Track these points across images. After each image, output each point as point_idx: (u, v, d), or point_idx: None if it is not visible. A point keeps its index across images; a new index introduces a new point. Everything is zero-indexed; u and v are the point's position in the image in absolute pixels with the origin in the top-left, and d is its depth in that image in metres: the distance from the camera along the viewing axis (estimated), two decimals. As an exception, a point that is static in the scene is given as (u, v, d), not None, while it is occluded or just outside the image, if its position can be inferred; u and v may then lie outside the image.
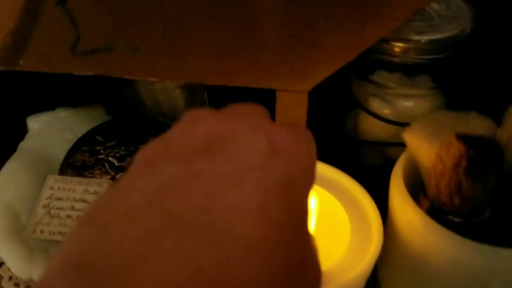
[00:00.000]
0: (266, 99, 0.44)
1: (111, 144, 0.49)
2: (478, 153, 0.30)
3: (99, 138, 0.50)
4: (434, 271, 0.34)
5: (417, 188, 0.37)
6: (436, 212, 0.33)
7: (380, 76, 0.43)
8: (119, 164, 0.48)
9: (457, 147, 0.30)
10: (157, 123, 0.51)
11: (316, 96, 0.43)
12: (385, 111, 0.45)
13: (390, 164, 0.40)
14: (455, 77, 0.43)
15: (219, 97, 0.55)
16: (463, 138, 0.31)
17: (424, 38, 0.40)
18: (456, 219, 0.33)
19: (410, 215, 0.34)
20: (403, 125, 0.40)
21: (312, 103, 0.42)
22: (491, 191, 0.31)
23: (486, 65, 0.45)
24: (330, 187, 0.39)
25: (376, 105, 0.45)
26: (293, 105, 0.41)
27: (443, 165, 0.31)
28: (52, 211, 0.45)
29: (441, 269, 0.33)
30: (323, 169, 0.40)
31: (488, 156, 0.30)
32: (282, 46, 0.39)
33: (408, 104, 0.44)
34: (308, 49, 0.39)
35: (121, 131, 0.50)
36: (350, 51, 0.39)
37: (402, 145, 0.39)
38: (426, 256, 0.34)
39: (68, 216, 0.45)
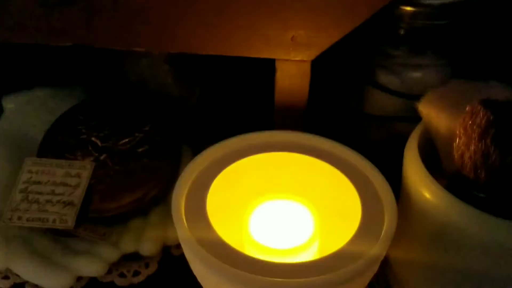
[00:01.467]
0: (262, 71, 0.41)
1: (93, 123, 0.45)
2: (507, 119, 0.27)
3: (81, 117, 0.46)
4: (454, 251, 0.31)
5: (430, 165, 0.34)
6: (457, 188, 0.30)
7: (388, 46, 0.40)
8: (103, 144, 0.44)
9: (483, 115, 0.27)
10: (143, 98, 0.47)
11: (321, 69, 0.40)
12: (393, 84, 0.41)
13: (395, 140, 0.37)
14: (465, 45, 0.41)
15: (210, 73, 0.51)
16: (490, 104, 0.27)
17: (436, 2, 0.37)
18: (481, 195, 0.30)
19: (428, 192, 0.31)
20: (413, 98, 0.37)
21: (316, 76, 0.39)
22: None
23: (496, 33, 0.42)
24: (339, 164, 0.35)
25: (383, 77, 0.42)
26: (295, 76, 0.38)
27: (468, 135, 0.28)
28: (30, 196, 0.41)
29: (463, 249, 0.30)
30: (331, 146, 0.36)
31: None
32: (282, 10, 0.35)
33: (417, 75, 0.41)
34: (311, 13, 0.35)
35: (104, 109, 0.46)
36: (356, 15, 0.36)
37: (411, 120, 0.36)
38: (446, 236, 0.31)
39: (48, 201, 0.41)
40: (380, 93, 0.42)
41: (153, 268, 0.40)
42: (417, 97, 0.35)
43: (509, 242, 0.28)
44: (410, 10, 0.38)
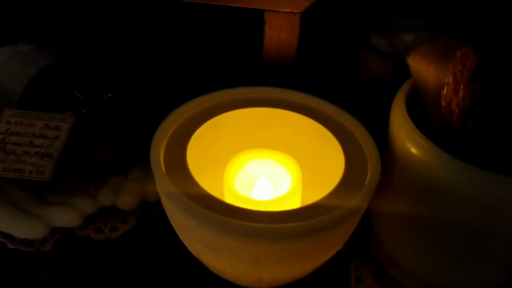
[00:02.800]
0: (252, 24, 0.40)
1: (76, 76, 0.44)
2: (497, 64, 0.26)
3: (63, 70, 0.45)
4: (441, 205, 0.30)
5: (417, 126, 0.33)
6: (443, 142, 0.29)
7: (381, 8, 0.39)
8: (84, 98, 0.43)
9: (474, 57, 0.26)
10: (126, 53, 0.46)
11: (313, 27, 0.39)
12: (385, 46, 0.40)
13: (388, 104, 0.36)
14: (459, 7, 0.40)
15: (195, 26, 0.50)
16: (481, 48, 0.27)
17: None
18: (467, 146, 0.29)
19: (414, 145, 0.30)
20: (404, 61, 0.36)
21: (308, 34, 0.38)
22: (508, 112, 0.27)
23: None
24: (323, 120, 0.34)
25: (376, 40, 0.41)
26: (284, 28, 0.36)
27: (457, 80, 0.27)
28: (8, 147, 0.40)
29: (449, 203, 0.29)
30: (316, 103, 0.35)
31: (507, 67, 0.26)
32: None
33: (408, 37, 0.40)
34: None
35: (88, 63, 0.45)
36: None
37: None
38: (432, 190, 0.30)
39: (25, 153, 0.40)
40: (372, 56, 0.41)
41: (131, 223, 0.39)
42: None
43: (494, 194, 0.28)
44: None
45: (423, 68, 0.32)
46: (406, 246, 0.34)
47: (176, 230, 0.32)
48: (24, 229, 0.36)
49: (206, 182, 0.31)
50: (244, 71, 0.43)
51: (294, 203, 0.33)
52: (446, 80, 0.28)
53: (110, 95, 0.43)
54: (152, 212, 0.41)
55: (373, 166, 0.31)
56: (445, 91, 0.28)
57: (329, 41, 0.45)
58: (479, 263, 0.32)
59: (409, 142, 0.31)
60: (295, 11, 0.35)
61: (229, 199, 0.33)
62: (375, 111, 0.38)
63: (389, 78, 0.42)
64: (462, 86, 0.27)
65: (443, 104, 0.29)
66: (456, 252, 0.32)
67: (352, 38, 0.44)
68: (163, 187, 0.30)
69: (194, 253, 0.32)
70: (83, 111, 0.42)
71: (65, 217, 0.36)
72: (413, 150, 0.30)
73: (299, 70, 0.39)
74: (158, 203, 0.41)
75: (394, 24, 0.40)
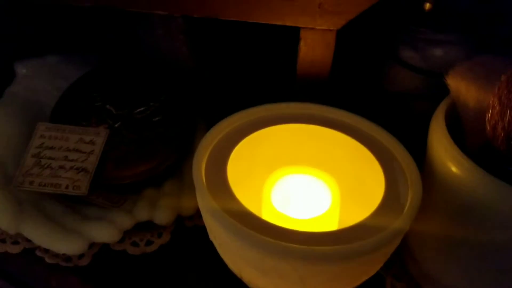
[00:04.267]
0: (287, 41, 0.40)
1: (108, 90, 0.44)
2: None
3: (95, 83, 0.45)
4: (480, 226, 0.30)
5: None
6: (485, 162, 0.30)
7: (412, 21, 0.39)
8: (118, 112, 0.43)
9: (520, 83, 0.26)
10: (158, 68, 0.46)
11: (346, 42, 0.39)
12: (415, 60, 0.41)
13: (415, 118, 0.36)
14: (486, 21, 0.40)
15: (227, 44, 0.50)
16: (527, 73, 0.27)
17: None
18: (510, 168, 0.29)
19: (455, 164, 0.30)
20: (434, 75, 0.36)
21: (341, 49, 0.38)
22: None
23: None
24: (362, 138, 0.35)
25: (405, 53, 0.41)
26: (319, 45, 0.37)
27: (503, 104, 0.27)
28: (43, 161, 0.41)
29: (488, 224, 0.30)
30: (353, 120, 0.36)
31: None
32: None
33: (439, 51, 0.40)
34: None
35: (119, 77, 0.45)
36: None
37: (431, 99, 0.35)
38: (472, 210, 0.30)
39: (61, 167, 0.40)
40: (401, 69, 0.41)
41: (166, 238, 0.40)
42: (440, 74, 0.34)
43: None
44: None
45: (463, 87, 0.32)
46: (442, 263, 0.34)
47: (218, 248, 0.32)
48: (63, 244, 0.37)
49: (245, 198, 0.31)
50: (276, 87, 0.43)
51: (333, 222, 0.33)
52: (491, 103, 0.28)
53: (142, 108, 0.43)
54: (184, 226, 0.41)
55: (414, 187, 0.31)
56: (490, 114, 0.28)
57: (358, 55, 0.45)
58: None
59: (449, 160, 0.31)
60: (331, 28, 0.35)
61: (267, 215, 0.34)
62: (404, 125, 0.39)
63: (418, 92, 0.42)
64: (508, 110, 0.27)
65: (487, 126, 0.29)
66: (492, 271, 0.32)
67: (381, 51, 0.44)
68: (206, 204, 0.30)
69: (236, 271, 0.32)
70: (116, 125, 0.42)
71: (104, 233, 0.37)
72: (454, 169, 0.31)
73: (330, 85, 0.40)
74: (190, 217, 0.41)
75: (424, 38, 0.40)
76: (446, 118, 0.34)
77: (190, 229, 0.41)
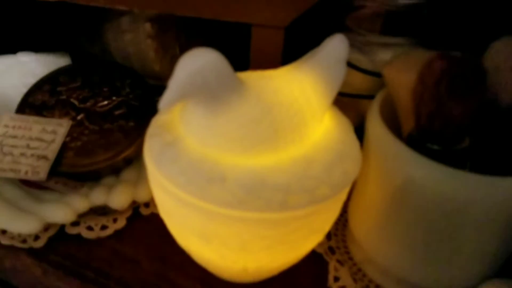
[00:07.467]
0: (241, 40, 0.43)
1: (74, 85, 0.47)
2: (460, 70, 0.29)
3: (62, 79, 0.47)
4: (410, 202, 0.32)
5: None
6: (414, 143, 0.32)
7: (358, 23, 0.43)
8: (81, 105, 0.45)
9: (439, 65, 0.29)
10: (124, 68, 0.49)
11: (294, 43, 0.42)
12: (363, 63, 0.44)
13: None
14: (434, 26, 0.43)
15: (188, 44, 0.53)
16: (445, 56, 0.30)
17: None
18: (435, 147, 0.32)
19: (387, 145, 0.33)
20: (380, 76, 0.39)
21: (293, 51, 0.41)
22: (471, 114, 0.30)
23: (464, 13, 0.45)
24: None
25: (353, 56, 0.44)
26: (269, 42, 0.40)
27: (424, 84, 0.30)
28: (5, 149, 0.42)
29: (418, 199, 0.32)
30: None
31: (470, 74, 0.29)
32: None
33: (385, 56, 0.44)
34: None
35: (85, 74, 0.48)
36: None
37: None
38: (403, 188, 0.32)
39: (22, 154, 0.42)
40: (350, 71, 0.44)
41: (121, 223, 0.41)
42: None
43: (458, 190, 0.30)
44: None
45: (395, 77, 0.35)
46: (381, 244, 0.36)
47: (167, 223, 0.34)
48: (18, 224, 0.38)
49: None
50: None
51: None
52: (415, 84, 0.31)
53: (105, 102, 0.45)
54: (140, 213, 0.42)
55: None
56: (413, 94, 0.31)
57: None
58: (450, 260, 0.34)
59: (382, 143, 0.33)
60: (279, 25, 0.38)
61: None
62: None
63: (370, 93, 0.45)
64: (428, 89, 0.30)
65: (413, 107, 0.31)
66: (429, 249, 0.34)
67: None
68: (155, 177, 0.32)
69: (184, 243, 0.34)
70: (79, 117, 0.44)
71: (58, 213, 0.38)
72: (387, 151, 0.33)
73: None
74: (147, 204, 0.43)
75: (372, 41, 0.43)
76: (386, 109, 0.37)
77: (145, 217, 0.42)
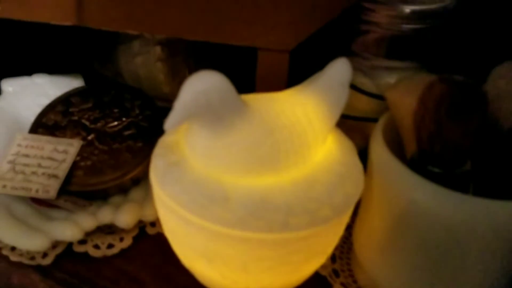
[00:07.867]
0: (248, 65, 0.44)
1: (85, 106, 0.48)
2: (460, 94, 0.30)
3: (74, 100, 0.49)
4: (413, 225, 0.32)
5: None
6: (416, 166, 0.33)
7: (363, 48, 0.43)
8: (92, 126, 0.46)
9: (439, 88, 0.30)
10: (134, 90, 0.50)
11: (299, 66, 0.43)
12: (368, 87, 0.44)
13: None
14: (438, 50, 0.44)
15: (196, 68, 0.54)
16: (446, 80, 0.30)
17: (409, 7, 0.41)
18: (436, 169, 0.32)
19: (389, 168, 0.33)
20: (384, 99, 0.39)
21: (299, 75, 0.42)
22: (472, 137, 0.30)
23: (468, 39, 0.45)
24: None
25: (358, 79, 0.45)
26: (275, 65, 0.41)
27: (425, 107, 0.30)
28: (17, 167, 0.43)
29: (421, 222, 0.32)
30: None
31: (470, 98, 0.30)
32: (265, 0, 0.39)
33: (390, 79, 0.44)
34: (291, 3, 0.38)
35: (97, 95, 0.49)
36: (334, 6, 0.39)
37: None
38: (406, 211, 0.32)
39: (33, 173, 0.43)
40: (356, 95, 0.45)
41: (127, 242, 0.41)
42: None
43: (459, 213, 0.30)
44: (384, 14, 0.41)
45: (397, 100, 0.35)
46: (384, 268, 0.36)
47: (171, 242, 0.34)
48: (27, 241, 0.39)
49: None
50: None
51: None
52: (416, 107, 0.31)
53: (115, 123, 0.46)
54: (146, 232, 0.43)
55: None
56: (415, 117, 0.31)
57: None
58: (455, 283, 0.34)
59: (385, 166, 0.34)
60: (284, 49, 0.39)
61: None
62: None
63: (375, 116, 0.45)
64: (429, 111, 0.30)
65: (414, 129, 0.32)
66: (433, 272, 0.34)
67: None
68: (159, 196, 0.32)
69: (188, 263, 0.34)
70: (89, 138, 0.45)
71: (66, 231, 0.39)
72: (389, 174, 0.33)
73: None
74: (153, 224, 0.43)
75: (377, 65, 0.44)
76: (389, 135, 0.37)
77: (152, 236, 0.43)
